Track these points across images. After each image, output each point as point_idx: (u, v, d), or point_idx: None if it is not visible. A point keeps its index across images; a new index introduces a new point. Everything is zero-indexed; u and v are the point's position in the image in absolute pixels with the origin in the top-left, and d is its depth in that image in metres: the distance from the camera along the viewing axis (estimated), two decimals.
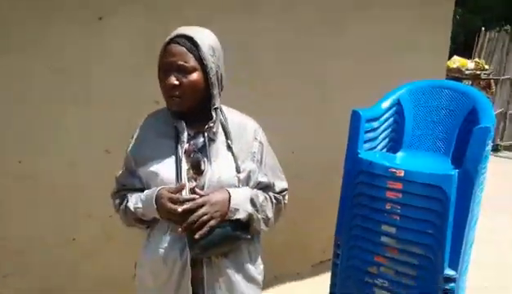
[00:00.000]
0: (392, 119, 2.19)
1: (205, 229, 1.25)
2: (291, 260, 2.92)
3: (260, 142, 1.42)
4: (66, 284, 2.33)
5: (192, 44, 1.28)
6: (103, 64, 2.24)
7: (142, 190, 1.37)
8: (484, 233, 2.66)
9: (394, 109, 2.19)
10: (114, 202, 1.45)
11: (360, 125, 1.95)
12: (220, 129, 1.36)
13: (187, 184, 1.30)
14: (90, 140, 2.26)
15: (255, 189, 1.38)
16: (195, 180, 1.31)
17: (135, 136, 1.41)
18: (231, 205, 1.29)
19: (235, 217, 1.30)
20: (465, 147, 1.78)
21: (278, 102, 2.67)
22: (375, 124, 2.09)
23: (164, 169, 1.31)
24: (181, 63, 1.27)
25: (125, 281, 2.22)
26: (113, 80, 2.26)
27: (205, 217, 1.25)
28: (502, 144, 7.75)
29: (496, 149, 7.28)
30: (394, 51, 3.08)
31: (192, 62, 1.28)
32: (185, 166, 1.32)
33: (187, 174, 1.31)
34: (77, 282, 2.35)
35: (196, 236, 1.24)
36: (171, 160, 1.32)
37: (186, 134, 1.32)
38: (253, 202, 1.34)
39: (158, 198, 1.28)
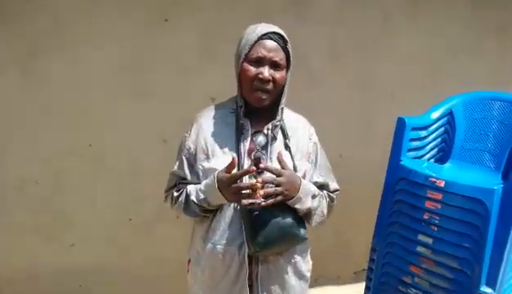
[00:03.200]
0: (442, 129, 2.14)
1: (271, 200, 1.24)
2: (333, 265, 2.93)
3: (315, 143, 1.46)
4: (119, 260, 2.56)
5: (283, 42, 1.33)
6: (165, 62, 2.44)
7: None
8: None
9: (446, 119, 2.13)
10: (171, 197, 1.44)
11: (404, 132, 1.93)
12: (278, 128, 1.38)
13: (248, 181, 1.28)
14: (149, 130, 2.47)
15: (310, 183, 1.40)
16: (255, 178, 1.31)
17: (193, 131, 1.41)
18: (299, 192, 1.30)
19: (296, 206, 1.31)
20: None
21: (327, 104, 2.70)
22: (423, 133, 2.05)
23: (225, 166, 1.30)
24: (276, 59, 1.30)
25: (174, 262, 2.40)
26: (173, 77, 2.46)
27: (279, 189, 1.25)
28: None
29: None
30: (452, 57, 2.97)
31: (284, 59, 1.33)
32: (246, 163, 1.33)
33: None
34: (129, 259, 2.57)
35: (263, 203, 1.22)
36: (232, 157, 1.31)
37: (250, 131, 1.35)
38: (314, 197, 1.37)
39: (219, 182, 1.27)
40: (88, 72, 2.35)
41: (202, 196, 1.35)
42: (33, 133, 2.35)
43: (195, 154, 1.39)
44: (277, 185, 1.26)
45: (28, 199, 2.41)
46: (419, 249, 1.83)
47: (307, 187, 1.35)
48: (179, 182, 1.44)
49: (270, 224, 1.27)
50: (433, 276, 1.82)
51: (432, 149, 2.13)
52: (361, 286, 2.87)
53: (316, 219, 1.41)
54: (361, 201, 2.89)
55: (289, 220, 1.31)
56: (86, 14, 2.29)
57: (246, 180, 1.30)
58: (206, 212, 1.38)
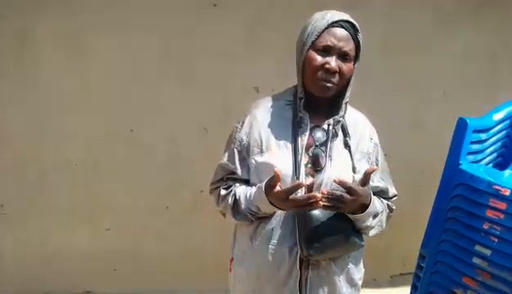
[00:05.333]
0: (504, 133, 2.00)
1: (332, 204, 1.13)
2: (370, 267, 2.83)
3: (375, 143, 1.36)
4: (154, 248, 2.54)
5: (354, 31, 1.22)
6: (210, 48, 2.37)
7: (246, 182, 1.30)
8: None
9: (508, 122, 1.99)
10: (218, 194, 1.34)
11: (465, 134, 1.80)
12: (340, 124, 1.28)
13: (304, 180, 1.20)
14: (191, 118, 2.42)
15: (379, 200, 1.31)
16: (313, 177, 1.24)
17: (247, 123, 1.31)
18: (365, 212, 1.21)
19: (355, 221, 1.23)
20: None
21: (377, 102, 2.58)
22: (483, 136, 1.91)
23: (281, 161, 1.22)
24: (346, 49, 1.20)
25: (210, 255, 2.37)
26: (217, 64, 2.39)
27: (345, 198, 1.13)
28: None
29: None
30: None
31: (353, 50, 1.22)
32: (303, 160, 1.24)
33: (305, 170, 1.23)
34: (165, 247, 2.54)
35: (322, 202, 1.11)
36: (288, 152, 1.23)
37: (308, 126, 1.25)
38: (375, 216, 1.29)
39: (270, 196, 1.17)
40: (135, 55, 2.32)
41: (253, 205, 1.25)
42: (74, 113, 2.35)
43: (248, 147, 1.29)
44: (343, 200, 1.15)
45: (66, 181, 2.41)
46: (476, 260, 1.72)
47: (373, 207, 1.25)
48: (227, 177, 1.34)
49: (328, 228, 1.19)
50: (488, 290, 1.70)
51: (491, 154, 2.00)
52: (398, 290, 2.79)
53: (372, 232, 1.32)
54: (400, 204, 2.77)
55: (347, 225, 1.23)
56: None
57: (303, 180, 1.20)
58: (258, 219, 1.28)
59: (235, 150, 1.32)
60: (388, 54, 2.60)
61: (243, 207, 1.26)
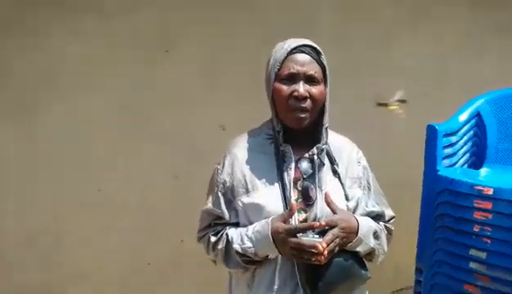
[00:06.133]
0: (472, 132, 2.02)
1: (328, 256, 1.09)
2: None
3: (364, 166, 1.30)
4: None
5: (317, 54, 1.19)
6: (167, 95, 2.31)
7: (236, 224, 1.24)
8: None
9: (474, 121, 2.02)
10: (207, 241, 1.26)
11: (437, 140, 1.80)
12: (324, 151, 1.23)
13: (297, 216, 1.15)
14: (159, 167, 2.32)
15: (372, 220, 1.26)
16: (305, 212, 1.18)
17: (227, 163, 1.25)
18: (359, 234, 1.16)
19: (357, 249, 1.18)
20: None
21: (342, 119, 2.58)
22: (454, 139, 1.92)
23: (270, 200, 1.17)
24: (311, 73, 1.16)
25: None
26: (176, 108, 2.32)
27: (338, 240, 1.11)
28: None
29: None
30: (457, 62, 2.88)
31: (320, 73, 1.18)
32: (293, 195, 1.18)
33: (296, 205, 1.16)
34: None
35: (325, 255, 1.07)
36: (276, 190, 1.18)
37: (293, 159, 1.20)
38: (375, 235, 1.23)
39: (275, 234, 1.11)
40: (88, 116, 2.22)
41: (248, 244, 1.17)
42: (32, 180, 2.20)
43: (233, 188, 1.22)
44: (335, 238, 1.11)
45: (31, 255, 2.22)
46: (473, 265, 1.67)
47: (366, 225, 1.20)
48: (215, 222, 1.26)
49: (331, 267, 1.12)
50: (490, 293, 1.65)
51: (464, 155, 2.01)
52: None
53: (378, 258, 1.26)
54: None
55: (350, 260, 1.16)
56: (82, 58, 2.18)
57: (295, 216, 1.15)
58: (248, 264, 1.20)
59: (220, 193, 1.24)
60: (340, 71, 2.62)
61: (236, 247, 1.18)
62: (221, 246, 1.22)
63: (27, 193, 2.22)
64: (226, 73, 2.36)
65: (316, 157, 1.19)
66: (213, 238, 1.25)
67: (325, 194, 1.16)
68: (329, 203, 1.15)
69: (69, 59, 2.20)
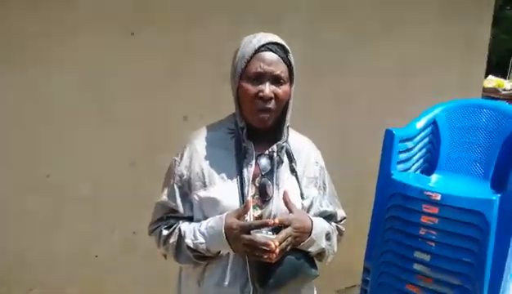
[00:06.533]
0: (427, 140, 2.09)
1: (279, 254, 1.11)
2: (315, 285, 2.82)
3: (321, 167, 1.32)
4: None
5: (284, 53, 1.18)
6: (129, 78, 2.23)
7: (190, 219, 1.23)
8: None
9: (429, 129, 2.09)
10: (159, 234, 1.24)
11: (393, 145, 1.86)
12: (284, 149, 1.23)
13: (252, 212, 1.15)
14: (115, 154, 2.25)
15: (325, 221, 1.28)
16: (261, 208, 1.19)
17: (186, 155, 1.23)
18: (312, 235, 1.18)
19: (308, 249, 1.20)
20: (506, 170, 1.67)
21: (302, 118, 2.60)
22: (409, 144, 1.99)
23: (227, 195, 1.17)
24: (277, 73, 1.15)
25: None
26: (138, 95, 2.25)
27: (290, 239, 1.13)
28: None
29: None
30: (424, 68, 2.98)
31: (286, 72, 1.18)
32: (250, 191, 1.19)
33: (252, 201, 1.17)
34: None
35: (276, 253, 1.09)
36: (234, 185, 1.18)
37: (254, 155, 1.20)
38: (328, 237, 1.25)
39: (228, 230, 1.12)
40: (42, 97, 2.10)
41: (201, 240, 1.16)
42: None
43: (190, 182, 1.21)
44: (287, 237, 1.13)
45: None
46: (416, 267, 1.75)
47: (320, 227, 1.23)
48: (168, 216, 1.24)
49: (282, 265, 1.14)
50: None
51: (418, 161, 2.08)
52: None
53: (328, 259, 1.29)
54: None
55: (301, 259, 1.19)
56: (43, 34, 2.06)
57: (250, 212, 1.15)
58: (200, 259, 1.20)
59: (176, 186, 1.22)
60: (309, 70, 2.64)
61: (188, 242, 1.18)
62: (172, 240, 1.20)
63: None
64: (191, 64, 2.32)
65: (275, 154, 1.20)
66: (164, 232, 1.23)
67: (284, 193, 1.17)
68: (286, 202, 1.16)
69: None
